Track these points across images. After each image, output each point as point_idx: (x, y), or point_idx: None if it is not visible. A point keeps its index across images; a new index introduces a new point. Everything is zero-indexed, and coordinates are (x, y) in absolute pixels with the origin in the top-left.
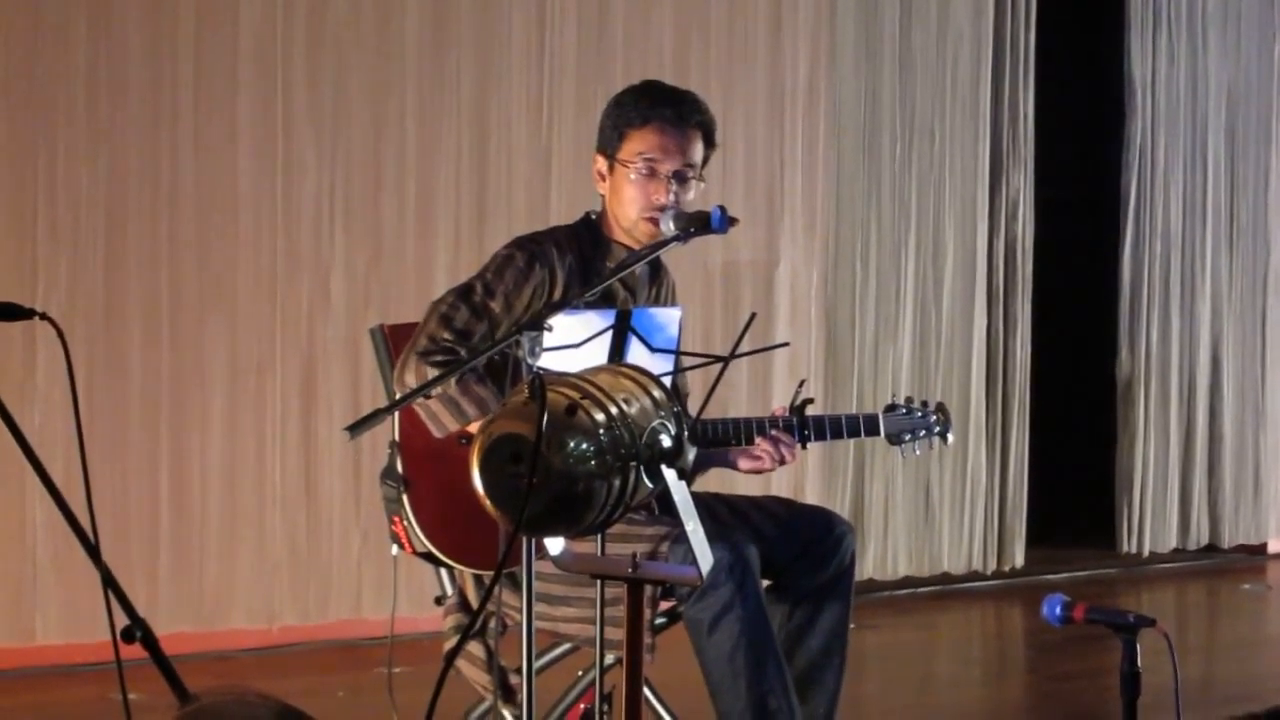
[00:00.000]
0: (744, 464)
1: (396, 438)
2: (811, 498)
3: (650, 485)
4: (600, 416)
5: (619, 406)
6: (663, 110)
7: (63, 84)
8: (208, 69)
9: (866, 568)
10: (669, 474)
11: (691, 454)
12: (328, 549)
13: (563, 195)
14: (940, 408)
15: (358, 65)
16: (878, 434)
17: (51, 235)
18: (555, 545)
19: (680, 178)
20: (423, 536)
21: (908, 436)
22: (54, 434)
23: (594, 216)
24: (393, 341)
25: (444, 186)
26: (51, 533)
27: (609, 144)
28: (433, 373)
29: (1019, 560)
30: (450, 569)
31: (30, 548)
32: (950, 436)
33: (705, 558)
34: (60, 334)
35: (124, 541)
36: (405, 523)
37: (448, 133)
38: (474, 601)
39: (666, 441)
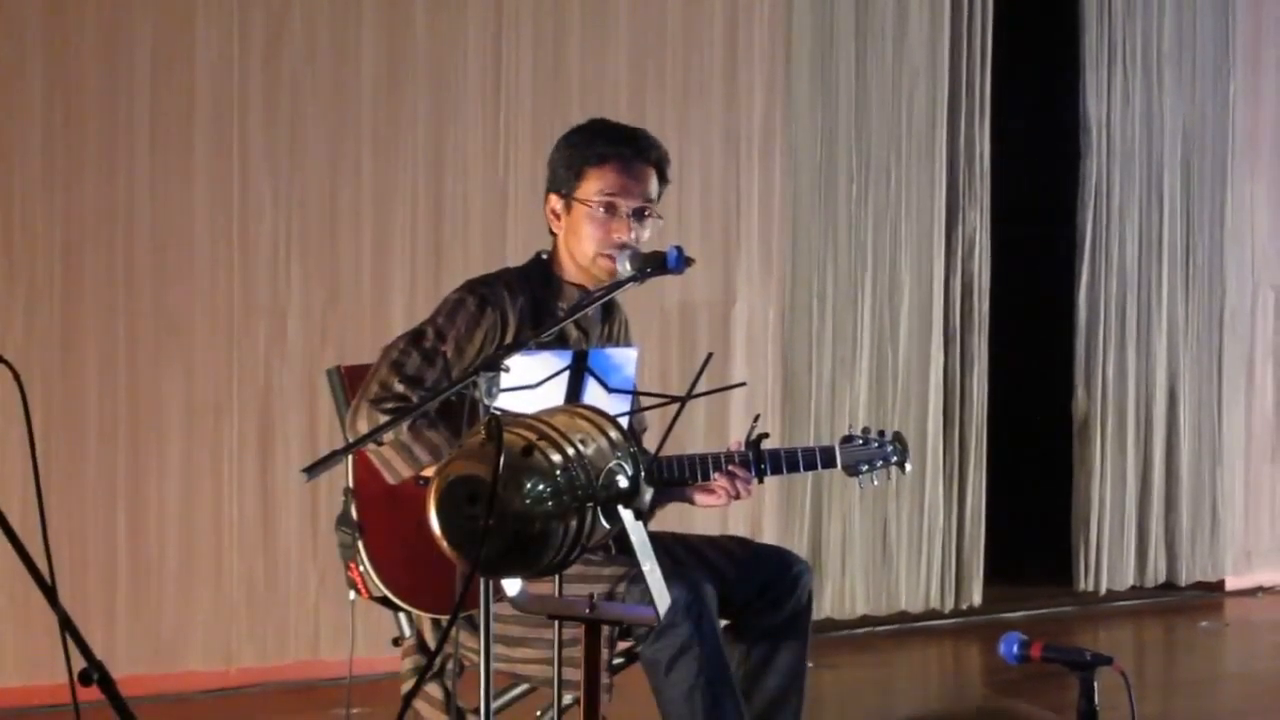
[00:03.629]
0: (700, 499)
1: (351, 484)
2: (769, 536)
3: (607, 526)
4: (557, 457)
5: (575, 447)
6: (620, 148)
7: (18, 125)
8: (164, 110)
9: (824, 606)
10: (626, 514)
11: (648, 495)
12: (285, 590)
13: (519, 236)
14: (897, 436)
15: (314, 106)
16: (835, 466)
17: (7, 276)
18: (513, 586)
19: (639, 215)
20: (379, 582)
21: (865, 467)
22: (10, 475)
23: (545, 256)
24: (350, 382)
25: (400, 227)
26: (8, 575)
27: (564, 183)
28: (384, 419)
29: (977, 598)
30: (408, 612)
31: None
32: (908, 465)
33: (663, 598)
34: (17, 378)
35: (81, 583)
36: (361, 568)
37: (403, 174)
38: (432, 643)
39: (623, 482)
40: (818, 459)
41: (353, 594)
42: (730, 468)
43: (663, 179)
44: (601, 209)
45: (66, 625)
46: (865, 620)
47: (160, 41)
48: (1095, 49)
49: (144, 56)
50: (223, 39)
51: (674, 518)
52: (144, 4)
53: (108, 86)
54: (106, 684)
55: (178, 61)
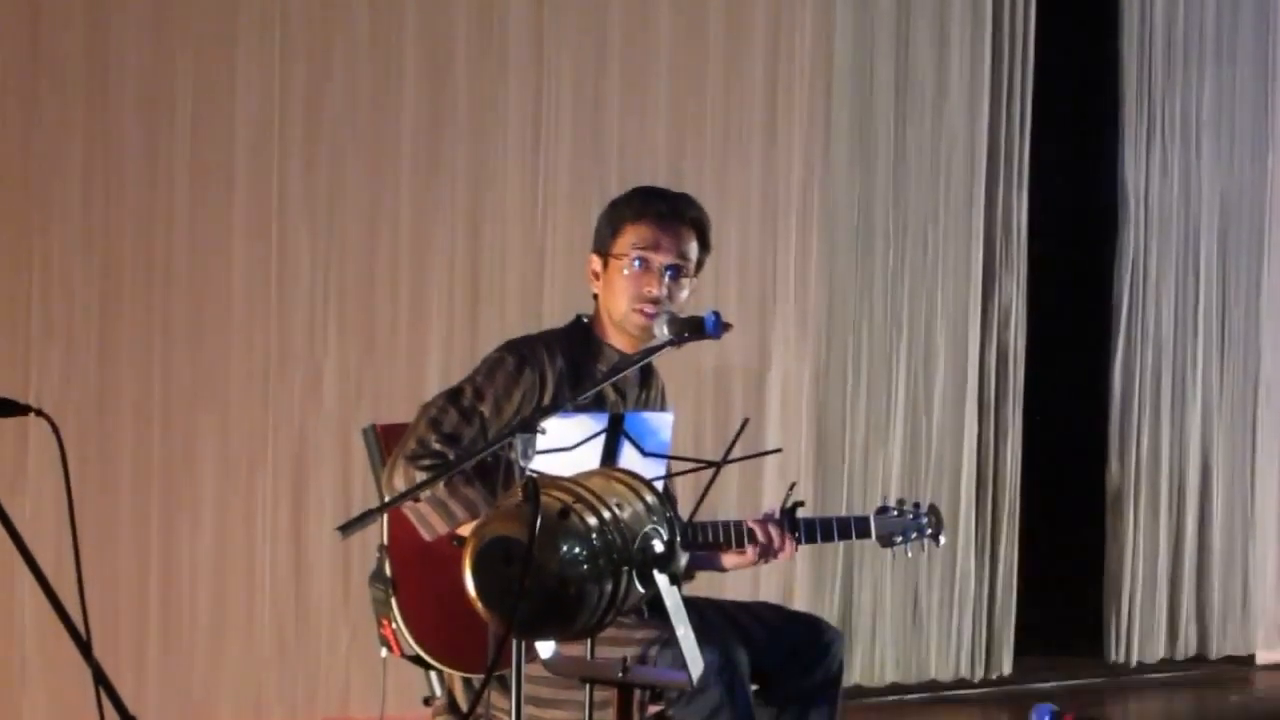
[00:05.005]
0: (730, 560)
1: (385, 540)
2: (800, 602)
3: (642, 590)
4: (593, 520)
5: (612, 511)
6: (657, 205)
7: (58, 177)
8: (203, 164)
9: (854, 673)
10: (661, 579)
11: (684, 559)
12: (316, 645)
13: (556, 295)
14: (932, 509)
15: (353, 162)
16: (869, 536)
17: (45, 328)
18: (546, 648)
19: (674, 272)
20: (411, 640)
21: (899, 539)
22: (44, 526)
23: (585, 319)
24: (385, 441)
25: (437, 285)
26: (40, 624)
27: (603, 242)
28: (421, 476)
29: (1007, 668)
30: (439, 671)
31: (19, 639)
32: (942, 538)
33: (695, 662)
34: (56, 431)
35: (113, 633)
36: (394, 625)
37: (441, 231)
38: (462, 702)
39: (659, 546)
40: (852, 529)
41: (385, 651)
42: (766, 527)
43: (703, 243)
44: (635, 263)
45: (100, 679)
46: (895, 688)
47: (200, 96)
48: (1135, 119)
49: (184, 110)
50: (263, 95)
51: (705, 581)
52: (184, 59)
53: (147, 140)
54: None
55: (217, 117)
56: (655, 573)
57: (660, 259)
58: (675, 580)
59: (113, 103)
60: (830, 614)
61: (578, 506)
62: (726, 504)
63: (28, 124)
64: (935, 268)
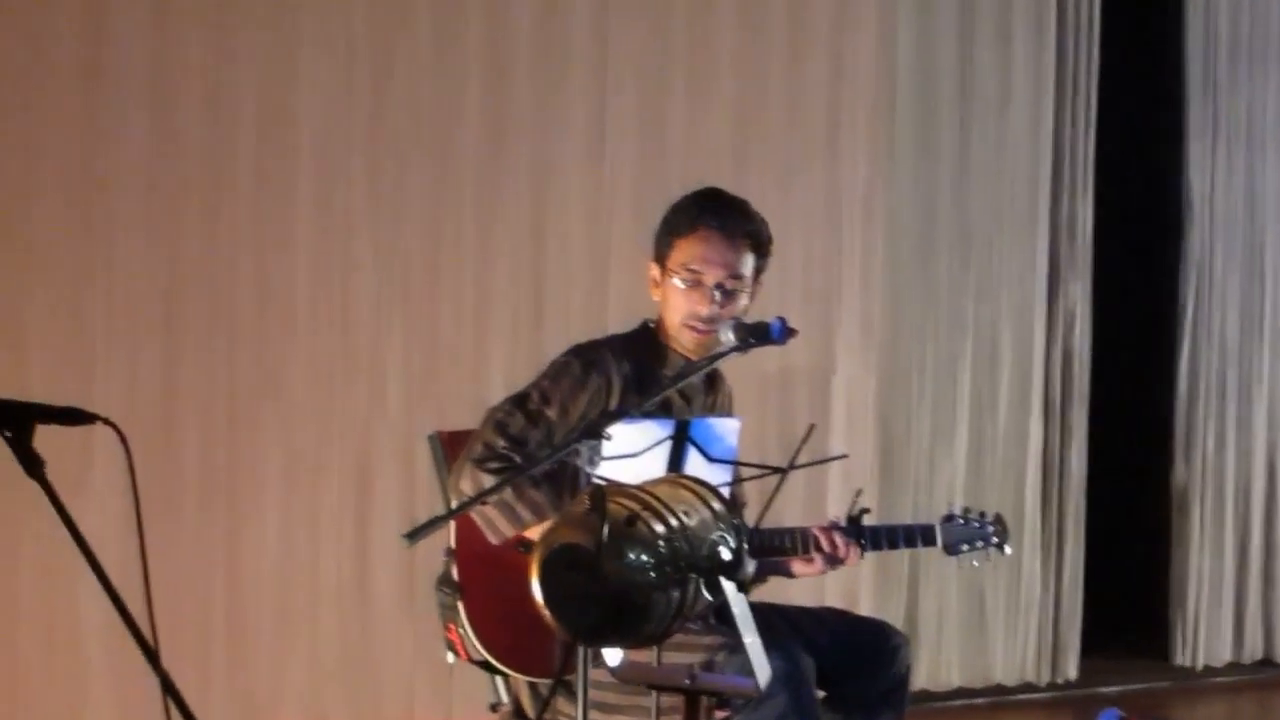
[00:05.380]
0: (799, 568)
1: (453, 545)
2: (865, 606)
3: (709, 597)
4: (660, 528)
5: (679, 518)
6: (709, 219)
7: (122, 185)
8: (268, 168)
9: (919, 677)
10: (728, 586)
11: (751, 567)
12: (380, 651)
13: (619, 302)
14: (998, 519)
15: (416, 166)
16: (935, 544)
17: (108, 334)
18: (613, 655)
19: (724, 290)
20: (478, 644)
21: (965, 547)
22: (108, 535)
23: (651, 324)
24: (449, 448)
25: (501, 289)
26: (105, 632)
27: (660, 251)
28: (488, 480)
29: (1072, 672)
30: (505, 676)
31: (83, 647)
32: (1008, 548)
33: (762, 669)
34: (123, 439)
35: (177, 640)
36: (460, 630)
37: (505, 237)
38: (528, 708)
39: (726, 554)
40: (918, 537)
41: (451, 656)
42: (831, 534)
43: (761, 254)
44: (686, 281)
45: (168, 688)
46: (960, 692)
47: (264, 99)
48: (1200, 121)
49: (249, 113)
50: (327, 100)
51: (771, 588)
52: (248, 62)
53: (211, 144)
54: None
55: (281, 120)
56: (722, 580)
57: (711, 277)
58: (742, 588)
59: (176, 104)
60: (896, 618)
61: (645, 514)
62: (792, 509)
63: (91, 126)
64: (1000, 271)
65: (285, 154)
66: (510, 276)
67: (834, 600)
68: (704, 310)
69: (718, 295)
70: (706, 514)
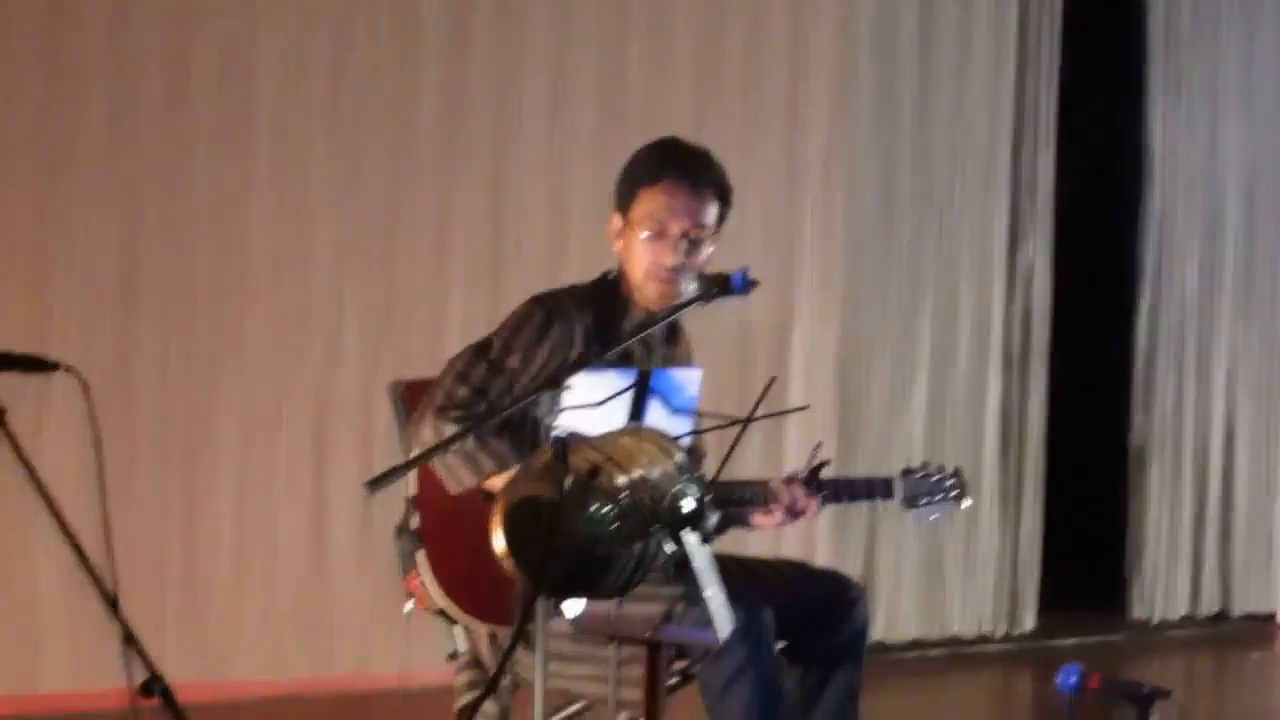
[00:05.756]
0: (758, 520)
1: (413, 493)
2: (823, 557)
3: (672, 549)
4: (622, 480)
5: (641, 470)
6: (673, 170)
7: (81, 135)
8: (225, 120)
9: (877, 629)
10: (690, 538)
11: (714, 518)
12: (336, 602)
13: (577, 255)
14: (957, 472)
15: (375, 119)
16: (893, 498)
17: (67, 284)
18: (573, 607)
19: (690, 240)
20: (439, 593)
21: (924, 501)
22: (66, 485)
23: (611, 276)
24: (409, 398)
25: (460, 241)
26: (59, 578)
27: (623, 201)
28: (450, 428)
29: (1030, 624)
30: (464, 626)
31: (37, 594)
32: (966, 501)
33: (724, 622)
34: (84, 386)
35: (134, 589)
36: (420, 579)
37: (464, 190)
38: (486, 658)
39: (689, 506)
40: (877, 490)
41: (410, 605)
42: (791, 487)
43: (724, 202)
44: (651, 231)
45: (129, 639)
46: (916, 644)
47: (225, 49)
48: (1161, 78)
49: (207, 63)
50: (286, 52)
51: (728, 539)
52: (209, 14)
53: (168, 92)
54: (168, 696)
55: (240, 71)
56: (685, 532)
57: (676, 227)
58: (705, 540)
59: (134, 60)
60: (853, 569)
61: (607, 466)
62: (750, 462)
63: (47, 76)
64: (960, 226)
65: (243, 103)
66: (469, 228)
67: (791, 551)
68: (670, 260)
69: (683, 245)
70: (669, 466)
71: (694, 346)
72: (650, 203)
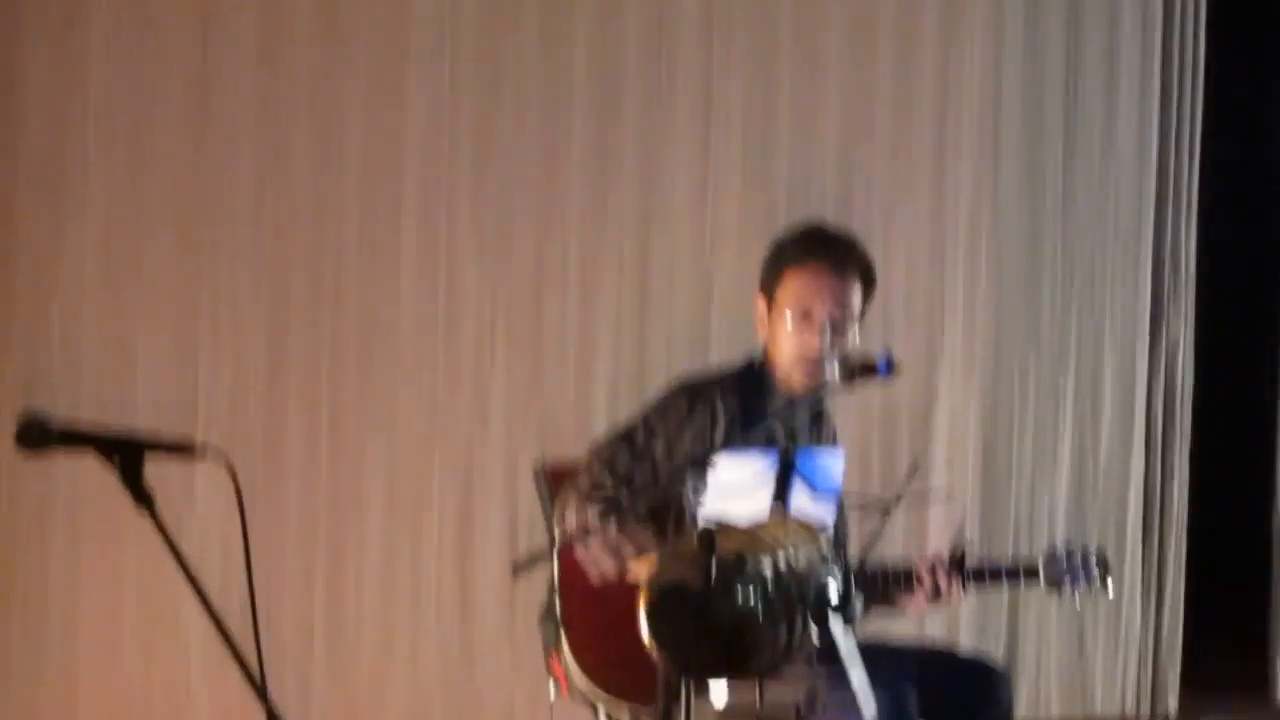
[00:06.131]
0: (902, 602)
1: (556, 578)
2: (967, 634)
3: (817, 634)
4: (768, 566)
5: (787, 556)
6: (818, 253)
7: (228, 212)
8: (373, 194)
9: (1019, 707)
10: (835, 622)
11: (858, 603)
12: (481, 680)
13: (722, 333)
14: (1101, 556)
15: (521, 193)
16: (1037, 582)
17: (214, 357)
18: (719, 692)
19: (835, 324)
20: (581, 677)
21: (1067, 585)
22: (212, 557)
23: (755, 358)
24: (554, 480)
25: (605, 316)
26: (207, 654)
27: (768, 284)
28: (594, 516)
29: (1172, 705)
30: (609, 715)
31: (186, 669)
32: (1111, 584)
33: (868, 705)
34: (233, 474)
35: (278, 664)
36: (564, 663)
37: (609, 266)
38: None
39: (833, 590)
40: (1021, 574)
41: (553, 689)
42: (935, 570)
43: (868, 286)
44: (796, 315)
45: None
46: None
47: (370, 124)
48: None
49: (354, 138)
50: (432, 125)
51: (871, 621)
52: (355, 87)
53: (316, 169)
54: None
55: (387, 144)
56: (830, 617)
57: (822, 312)
58: (849, 624)
59: (285, 134)
60: (996, 647)
61: (752, 553)
62: (893, 543)
63: (197, 153)
64: (1103, 303)
65: (390, 182)
66: (614, 306)
67: (935, 633)
68: (816, 344)
69: (829, 329)
70: (813, 551)
71: (837, 424)
72: (796, 285)
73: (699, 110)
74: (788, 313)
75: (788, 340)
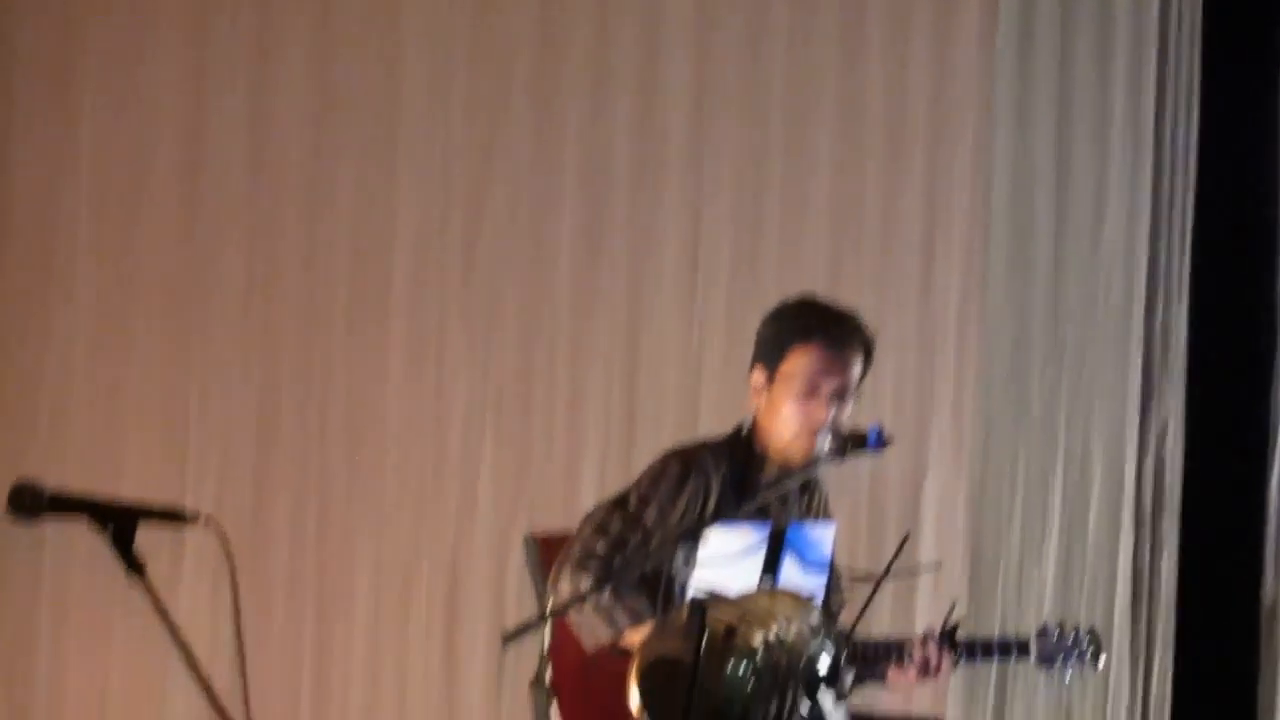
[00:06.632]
0: (892, 677)
1: (546, 648)
2: (953, 714)
3: (807, 707)
4: (759, 639)
5: (777, 629)
6: (826, 331)
7: (219, 281)
8: (363, 274)
9: None
10: (825, 697)
11: (849, 677)
12: None
13: (711, 410)
14: (1092, 633)
15: (511, 273)
16: (1028, 658)
17: (203, 431)
18: None
19: (840, 396)
20: None
21: (1059, 661)
22: (199, 626)
23: (745, 429)
24: (544, 551)
25: (594, 395)
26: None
27: (770, 357)
28: (586, 582)
29: None
30: None
31: None
32: (1102, 661)
33: None
34: (224, 539)
35: None
36: None
37: (598, 342)
38: None
39: (825, 664)
40: (1013, 650)
41: None
42: (926, 645)
43: (868, 361)
44: (802, 389)
45: None
46: None
47: (360, 204)
48: None
49: (344, 218)
50: (423, 205)
51: (859, 696)
52: (346, 166)
53: (308, 252)
54: None
55: (377, 226)
56: (820, 691)
57: (829, 385)
58: (840, 698)
59: (272, 207)
60: None
61: (744, 625)
62: (880, 617)
63: (187, 229)
64: (1092, 380)
65: (381, 257)
66: (603, 384)
67: (921, 708)
68: (822, 417)
69: (834, 402)
70: (804, 624)
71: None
72: (802, 362)
73: (689, 189)
74: (792, 387)
75: (792, 413)
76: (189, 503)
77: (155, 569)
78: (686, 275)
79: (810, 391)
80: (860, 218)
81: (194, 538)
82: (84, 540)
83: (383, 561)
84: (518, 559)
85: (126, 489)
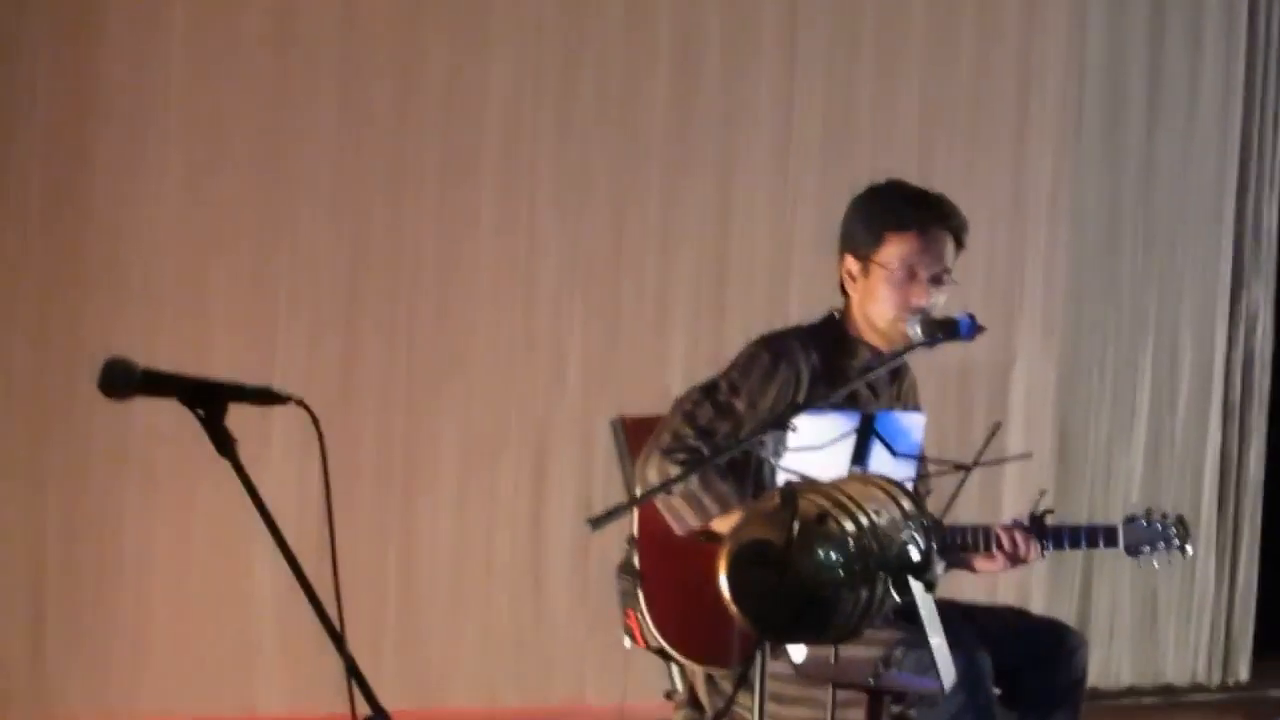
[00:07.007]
0: (979, 564)
1: (635, 533)
2: (1038, 602)
3: (897, 596)
4: (850, 526)
5: (869, 517)
6: (922, 214)
7: (308, 156)
8: (453, 145)
9: (1090, 676)
10: (916, 586)
11: (940, 567)
12: (553, 632)
13: (802, 291)
14: (1180, 520)
15: (602, 151)
16: (1116, 545)
17: (291, 309)
18: (798, 652)
19: (937, 281)
20: (656, 632)
21: (1146, 549)
22: (285, 510)
23: (837, 315)
24: (632, 435)
25: (683, 277)
26: (276, 607)
27: (863, 245)
28: (675, 469)
29: (1244, 673)
30: (682, 665)
31: (256, 622)
32: (1189, 549)
33: (947, 669)
34: (316, 421)
35: (350, 614)
36: (639, 617)
37: (688, 224)
38: (704, 698)
39: (915, 553)
40: (1100, 538)
41: (628, 641)
42: (1015, 533)
43: (961, 245)
44: (901, 274)
45: (354, 672)
46: (1130, 691)
47: (453, 75)
48: None
49: (436, 90)
50: (516, 79)
51: (946, 582)
52: (438, 36)
53: (398, 121)
54: None
55: (469, 99)
56: (911, 580)
57: (926, 270)
58: (930, 588)
59: (364, 84)
60: (1068, 615)
61: (835, 511)
62: (968, 505)
63: (278, 105)
64: (1182, 270)
65: (471, 136)
66: (693, 264)
67: (1007, 595)
68: (923, 302)
69: (931, 287)
70: (896, 512)
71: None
72: (902, 247)
73: (782, 72)
74: (892, 273)
75: (890, 298)
76: (276, 381)
77: (244, 450)
78: (778, 158)
79: (909, 277)
80: (952, 102)
81: (281, 419)
82: (172, 415)
83: (470, 441)
84: (605, 441)
85: (215, 367)
